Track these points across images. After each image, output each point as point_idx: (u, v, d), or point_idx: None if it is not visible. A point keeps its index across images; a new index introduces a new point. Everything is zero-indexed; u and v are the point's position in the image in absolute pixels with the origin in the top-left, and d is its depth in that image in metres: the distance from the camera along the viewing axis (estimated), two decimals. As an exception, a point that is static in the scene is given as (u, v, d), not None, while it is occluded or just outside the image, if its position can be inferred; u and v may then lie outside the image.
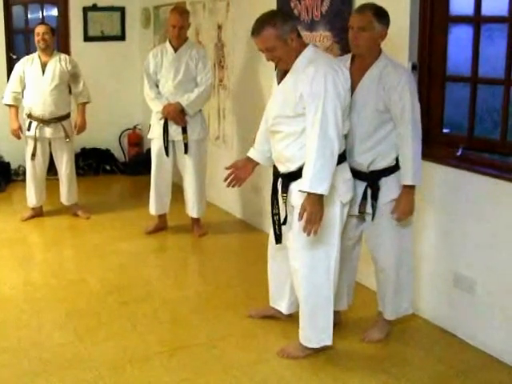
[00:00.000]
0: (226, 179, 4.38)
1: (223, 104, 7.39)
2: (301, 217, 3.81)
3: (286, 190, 4.07)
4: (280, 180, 4.13)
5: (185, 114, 6.35)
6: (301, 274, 4.10)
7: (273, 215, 4.23)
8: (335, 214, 4.02)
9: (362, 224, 4.38)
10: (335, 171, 3.82)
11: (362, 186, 4.23)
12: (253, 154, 4.40)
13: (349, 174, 4.08)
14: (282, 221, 4.18)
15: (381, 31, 4.07)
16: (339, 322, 4.57)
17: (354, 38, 4.07)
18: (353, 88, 4.04)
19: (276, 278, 4.61)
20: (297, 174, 3.95)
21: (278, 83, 4.06)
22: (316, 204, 3.78)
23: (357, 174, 4.19)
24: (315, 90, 3.76)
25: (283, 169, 4.07)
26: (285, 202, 4.09)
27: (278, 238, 4.26)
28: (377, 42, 4.10)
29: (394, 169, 4.20)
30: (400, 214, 4.15)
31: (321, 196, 3.77)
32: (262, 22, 3.88)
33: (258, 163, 4.40)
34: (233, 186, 4.40)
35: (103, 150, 9.51)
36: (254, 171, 4.40)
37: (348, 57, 4.24)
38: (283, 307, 4.64)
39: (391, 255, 4.31)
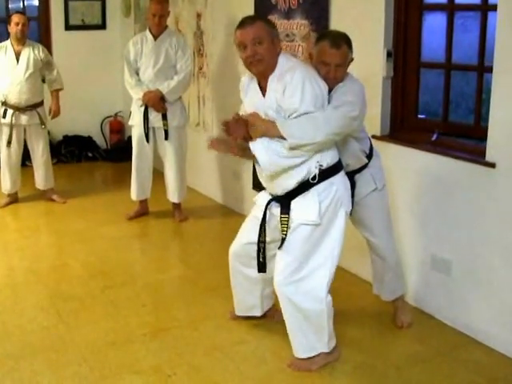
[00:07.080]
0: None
1: (203, 91, 7.43)
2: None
3: (287, 210, 3.85)
4: (274, 203, 3.95)
5: (165, 101, 6.40)
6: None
7: (259, 242, 4.02)
8: (342, 227, 3.89)
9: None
10: (340, 179, 3.84)
11: None
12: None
13: (348, 183, 3.97)
14: (278, 245, 3.91)
15: (351, 59, 3.96)
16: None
17: (332, 74, 3.84)
18: None
19: (241, 291, 4.44)
20: (297, 190, 3.82)
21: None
22: (268, 132, 3.69)
23: None
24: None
25: (281, 191, 3.88)
26: (286, 224, 3.86)
27: (263, 267, 4.08)
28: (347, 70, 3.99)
29: (366, 165, 4.21)
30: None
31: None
32: (256, 17, 3.81)
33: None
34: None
35: (85, 137, 9.50)
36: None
37: None
38: (258, 312, 4.49)
39: (389, 241, 4.38)
